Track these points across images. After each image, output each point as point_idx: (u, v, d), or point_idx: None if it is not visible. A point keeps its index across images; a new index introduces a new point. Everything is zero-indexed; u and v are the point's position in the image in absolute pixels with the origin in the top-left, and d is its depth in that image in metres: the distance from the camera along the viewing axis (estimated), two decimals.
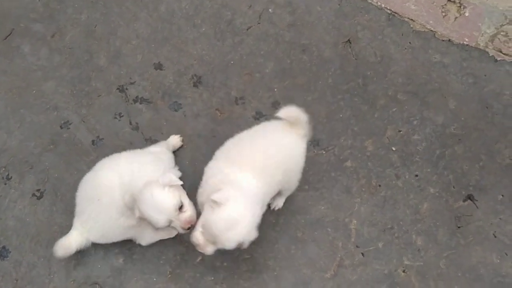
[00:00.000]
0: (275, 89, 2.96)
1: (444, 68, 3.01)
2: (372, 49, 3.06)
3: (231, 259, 2.55)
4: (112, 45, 3.09)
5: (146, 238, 2.48)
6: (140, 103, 2.93)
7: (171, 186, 2.11)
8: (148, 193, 2.08)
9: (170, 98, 2.94)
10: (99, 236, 2.40)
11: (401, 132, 2.84)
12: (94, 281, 2.52)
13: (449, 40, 3.10)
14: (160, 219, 2.09)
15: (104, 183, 2.32)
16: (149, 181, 2.12)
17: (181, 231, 2.15)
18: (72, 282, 2.52)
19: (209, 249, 2.05)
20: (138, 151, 2.54)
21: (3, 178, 2.75)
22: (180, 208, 2.11)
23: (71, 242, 2.36)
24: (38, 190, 2.72)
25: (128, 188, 2.23)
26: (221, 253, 2.52)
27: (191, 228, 2.11)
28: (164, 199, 2.08)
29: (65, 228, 2.63)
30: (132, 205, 2.19)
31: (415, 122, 2.86)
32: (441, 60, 3.04)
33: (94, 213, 2.34)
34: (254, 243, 2.55)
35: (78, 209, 2.42)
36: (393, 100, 2.93)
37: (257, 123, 2.85)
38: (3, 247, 2.61)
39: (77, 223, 2.41)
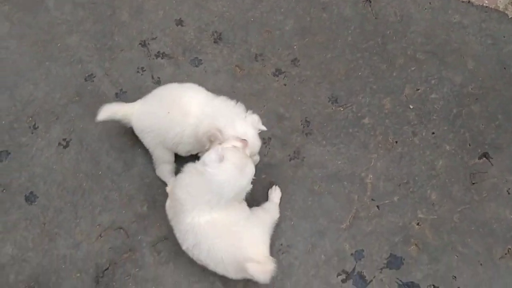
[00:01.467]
0: (295, 47, 2.92)
1: (463, 29, 2.96)
2: (392, 8, 3.01)
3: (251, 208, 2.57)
4: (135, 0, 3.06)
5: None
6: (162, 58, 2.91)
7: None
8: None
9: (191, 54, 2.92)
10: (143, 131, 2.47)
11: (419, 91, 2.80)
12: (118, 225, 2.56)
13: (469, 2, 3.04)
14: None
15: (183, 102, 2.35)
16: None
17: None
18: (98, 226, 2.56)
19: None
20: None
21: (30, 127, 2.77)
22: None
23: (121, 109, 2.46)
24: (64, 140, 2.74)
25: (206, 119, 2.26)
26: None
27: None
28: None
29: (91, 176, 2.66)
30: (205, 136, 2.24)
31: (433, 81, 2.83)
32: (461, 21, 2.98)
33: (157, 117, 2.38)
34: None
35: (145, 99, 2.48)
36: (412, 60, 2.88)
37: (277, 80, 2.85)
38: (31, 193, 2.64)
39: (137, 104, 2.48)
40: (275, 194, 2.56)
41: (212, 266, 2.15)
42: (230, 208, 2.14)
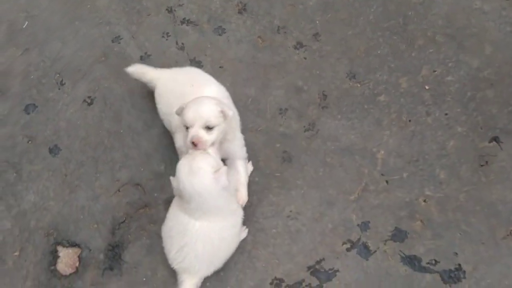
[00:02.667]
0: (317, 21, 2.91)
1: (484, 15, 2.92)
2: None
3: (263, 175, 2.61)
4: None
5: None
6: (187, 25, 2.93)
7: None
8: None
9: (216, 23, 2.93)
10: (163, 97, 2.48)
11: (436, 73, 2.79)
12: (136, 182, 2.61)
13: None
14: None
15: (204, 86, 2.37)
16: None
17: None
18: (117, 181, 2.61)
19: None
20: None
21: (57, 83, 2.82)
22: None
23: (150, 72, 2.53)
24: (89, 97, 2.78)
25: None
26: (253, 171, 2.60)
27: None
28: None
29: (112, 133, 2.71)
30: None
31: (450, 64, 2.81)
32: (482, 7, 2.94)
33: (180, 85, 2.39)
34: (285, 163, 2.63)
35: (174, 69, 2.52)
36: (431, 41, 2.86)
37: (297, 53, 2.85)
38: (55, 145, 2.70)
39: (166, 72, 2.51)
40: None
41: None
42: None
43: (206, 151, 2.04)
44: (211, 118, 2.03)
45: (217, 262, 2.21)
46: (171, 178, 2.04)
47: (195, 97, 2.10)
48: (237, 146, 2.39)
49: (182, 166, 1.97)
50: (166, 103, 2.45)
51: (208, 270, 2.19)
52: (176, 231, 2.13)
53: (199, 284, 2.19)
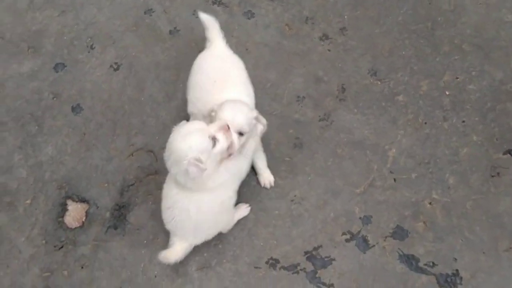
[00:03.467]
0: (345, 16, 2.90)
1: None
2: None
3: (273, 158, 2.61)
4: None
5: None
6: (218, 6, 2.95)
7: None
8: None
9: (246, 6, 2.95)
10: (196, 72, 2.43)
11: (458, 79, 2.74)
12: (150, 149, 2.64)
13: None
14: None
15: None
16: None
17: None
18: (131, 146, 2.65)
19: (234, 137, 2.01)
20: None
21: (87, 46, 2.89)
22: None
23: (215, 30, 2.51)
24: (116, 63, 2.84)
25: None
26: (266, 152, 2.61)
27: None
28: None
29: (133, 100, 2.76)
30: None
31: (473, 73, 2.76)
32: None
33: (201, 84, 2.36)
34: (296, 149, 2.63)
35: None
36: (457, 49, 2.82)
37: (322, 45, 2.86)
38: (78, 105, 2.77)
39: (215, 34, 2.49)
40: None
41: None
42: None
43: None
44: (245, 125, 2.02)
45: (202, 233, 2.18)
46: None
47: (230, 100, 2.07)
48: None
49: (184, 127, 1.94)
50: (194, 79, 2.43)
51: (195, 239, 2.18)
52: (163, 194, 2.16)
53: (189, 249, 2.20)
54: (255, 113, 2.08)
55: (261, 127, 2.14)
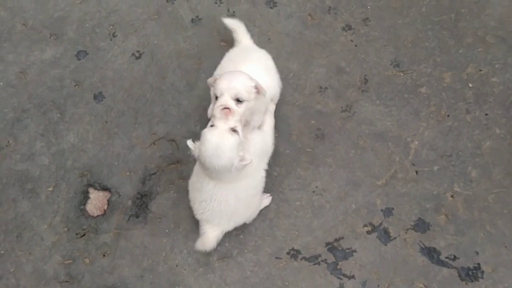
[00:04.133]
0: (369, 7, 2.85)
1: None
2: None
3: (294, 149, 2.58)
4: None
5: None
6: None
7: None
8: None
9: None
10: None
11: (481, 72, 2.69)
12: (172, 138, 2.62)
13: None
14: None
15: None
16: None
17: None
18: (153, 135, 2.63)
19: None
20: None
21: (109, 34, 2.85)
22: None
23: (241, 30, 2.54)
24: (137, 51, 2.81)
25: None
26: (285, 143, 2.58)
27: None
28: None
29: (155, 89, 2.73)
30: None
31: (497, 66, 2.71)
32: None
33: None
34: (317, 140, 2.60)
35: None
36: (481, 41, 2.76)
37: (344, 35, 2.81)
38: (100, 93, 2.74)
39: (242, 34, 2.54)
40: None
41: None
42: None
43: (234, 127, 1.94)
44: (242, 91, 1.96)
45: (238, 218, 2.19)
46: (189, 142, 1.96)
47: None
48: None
49: (209, 141, 1.87)
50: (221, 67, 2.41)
51: (229, 225, 2.17)
52: (196, 187, 2.12)
53: (220, 236, 2.19)
54: (253, 82, 2.01)
55: (264, 90, 2.05)
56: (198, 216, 2.17)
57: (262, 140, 2.21)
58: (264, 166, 2.23)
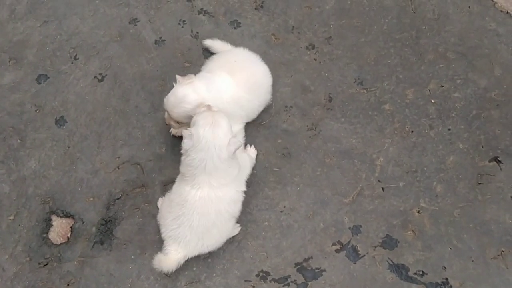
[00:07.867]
0: (331, 25, 2.85)
1: (497, 37, 2.84)
2: (432, 6, 2.91)
3: (261, 168, 2.54)
4: None
5: None
6: (204, 15, 2.87)
7: None
8: None
9: (232, 16, 2.88)
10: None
11: (443, 88, 2.71)
12: (136, 161, 2.55)
13: (507, 13, 2.91)
14: None
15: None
16: None
17: None
18: (117, 158, 2.55)
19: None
20: None
21: (71, 57, 2.78)
22: None
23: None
24: (100, 74, 2.73)
25: None
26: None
27: None
28: None
29: (119, 111, 2.66)
30: None
31: (458, 81, 2.73)
32: (496, 29, 2.86)
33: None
34: (284, 159, 2.56)
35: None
36: (442, 57, 2.79)
37: (308, 54, 2.80)
38: (61, 117, 2.65)
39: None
40: (252, 151, 2.54)
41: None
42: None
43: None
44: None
45: (207, 240, 2.14)
46: (184, 130, 2.02)
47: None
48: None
49: (204, 117, 2.01)
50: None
51: (195, 248, 2.13)
52: (176, 202, 2.10)
53: (181, 262, 2.13)
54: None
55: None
56: (168, 233, 2.12)
57: (248, 156, 2.40)
58: (243, 187, 2.24)
